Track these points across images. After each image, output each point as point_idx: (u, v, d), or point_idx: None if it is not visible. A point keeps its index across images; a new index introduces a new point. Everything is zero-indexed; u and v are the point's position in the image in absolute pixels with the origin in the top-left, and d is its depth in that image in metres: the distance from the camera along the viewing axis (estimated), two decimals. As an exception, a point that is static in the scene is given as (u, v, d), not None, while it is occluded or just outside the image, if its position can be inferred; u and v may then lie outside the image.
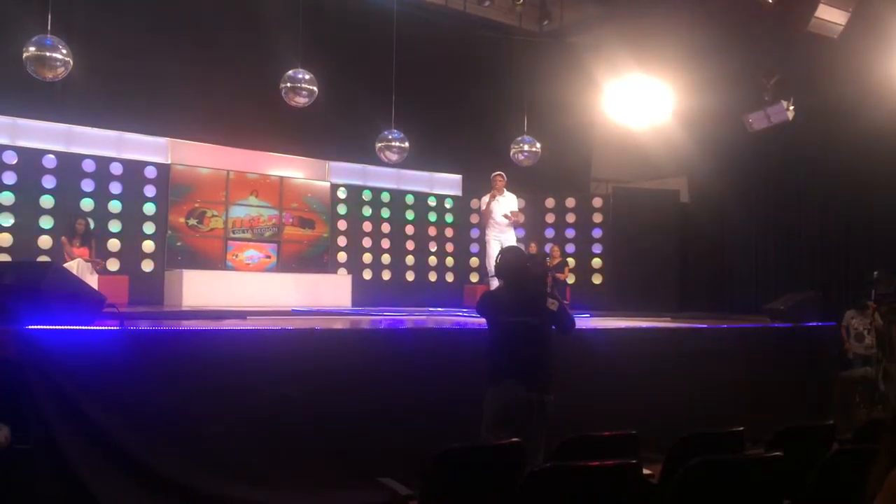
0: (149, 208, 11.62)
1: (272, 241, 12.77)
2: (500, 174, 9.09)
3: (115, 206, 11.29)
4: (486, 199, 9.11)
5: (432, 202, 14.49)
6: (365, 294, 12.79)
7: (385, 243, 13.88)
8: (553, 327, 4.53)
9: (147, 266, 11.53)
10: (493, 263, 5.26)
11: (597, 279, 13.89)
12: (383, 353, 5.48)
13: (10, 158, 10.52)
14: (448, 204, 14.63)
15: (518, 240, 9.57)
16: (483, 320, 4.62)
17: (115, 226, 11.26)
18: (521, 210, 9.40)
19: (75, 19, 10.57)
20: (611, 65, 11.95)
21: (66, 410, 4.20)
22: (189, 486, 4.50)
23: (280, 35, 11.12)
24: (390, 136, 10.81)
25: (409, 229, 14.17)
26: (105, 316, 4.99)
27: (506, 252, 4.78)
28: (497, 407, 4.30)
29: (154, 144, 11.77)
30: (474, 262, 14.33)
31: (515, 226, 9.20)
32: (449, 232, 14.60)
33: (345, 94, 11.96)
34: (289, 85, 9.90)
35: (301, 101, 10.00)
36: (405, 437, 5.02)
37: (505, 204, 9.01)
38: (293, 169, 13.12)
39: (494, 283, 7.81)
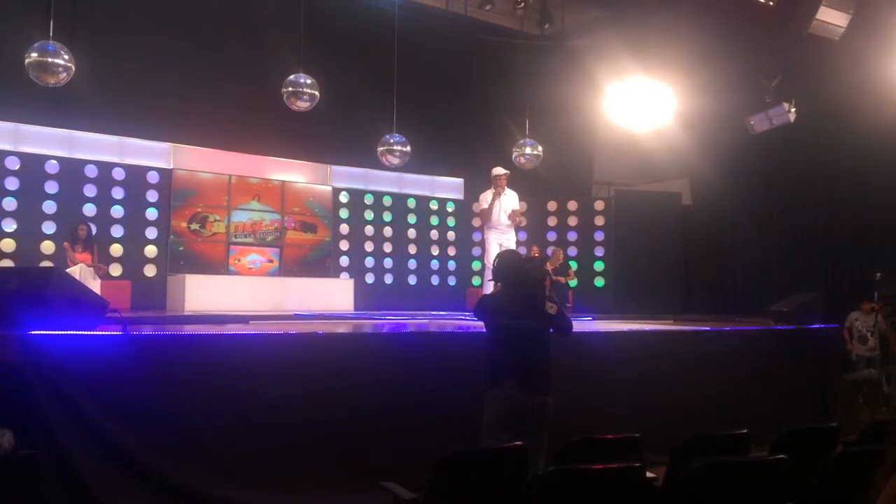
0: (151, 213, 11.64)
1: (274, 246, 12.78)
2: (504, 172, 8.29)
3: (117, 211, 11.31)
4: (486, 196, 8.34)
5: (434, 206, 14.50)
6: (367, 298, 12.80)
7: (387, 247, 13.89)
8: (551, 330, 4.52)
9: (149, 271, 11.55)
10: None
11: (599, 282, 13.89)
12: (386, 357, 5.48)
13: (13, 164, 10.54)
14: (450, 207, 14.64)
15: (520, 243, 9.37)
16: (482, 323, 4.62)
17: (117, 231, 11.28)
18: (523, 213, 8.95)
19: (77, 25, 10.61)
20: (612, 67, 11.97)
21: (69, 415, 4.21)
22: (192, 489, 4.50)
23: (282, 40, 11.15)
24: (392, 140, 10.83)
25: (411, 233, 14.18)
26: (108, 321, 4.99)
27: (503, 255, 4.77)
28: (497, 410, 4.29)
29: (156, 149, 11.78)
30: (476, 265, 14.32)
31: (518, 226, 8.65)
32: (451, 235, 14.62)
33: (346, 99, 11.98)
34: (290, 89, 9.93)
35: (303, 105, 10.03)
36: (408, 441, 5.01)
37: (507, 202, 8.34)
38: (295, 173, 13.12)
39: (489, 288, 7.62)
